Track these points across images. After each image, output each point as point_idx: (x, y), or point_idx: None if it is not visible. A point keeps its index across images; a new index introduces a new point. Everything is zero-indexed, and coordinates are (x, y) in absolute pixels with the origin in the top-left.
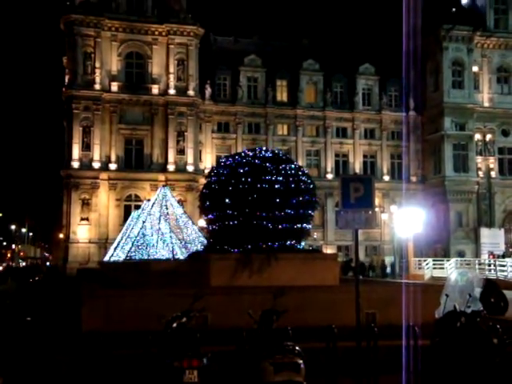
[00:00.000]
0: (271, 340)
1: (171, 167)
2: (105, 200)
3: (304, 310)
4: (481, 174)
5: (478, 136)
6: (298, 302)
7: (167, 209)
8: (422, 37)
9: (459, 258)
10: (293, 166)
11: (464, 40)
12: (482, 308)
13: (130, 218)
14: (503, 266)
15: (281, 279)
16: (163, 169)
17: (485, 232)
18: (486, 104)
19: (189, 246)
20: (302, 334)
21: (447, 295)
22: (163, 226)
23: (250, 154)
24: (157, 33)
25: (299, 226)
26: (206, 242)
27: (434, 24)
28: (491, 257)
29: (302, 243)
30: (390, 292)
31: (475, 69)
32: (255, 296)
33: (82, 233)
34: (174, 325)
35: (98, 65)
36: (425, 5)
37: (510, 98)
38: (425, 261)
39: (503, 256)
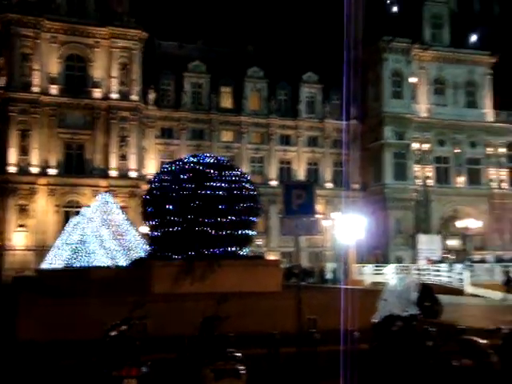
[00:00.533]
0: (212, 347)
1: (113, 173)
2: (43, 206)
3: (246, 316)
4: (418, 182)
5: (416, 145)
6: (241, 309)
7: (108, 215)
8: (364, 47)
9: (398, 264)
10: (236, 172)
11: (403, 52)
12: (418, 312)
13: (67, 224)
14: (438, 271)
15: (224, 286)
16: (105, 174)
17: (422, 238)
18: (424, 114)
19: (131, 252)
20: (245, 340)
21: (385, 300)
22: (104, 232)
23: (193, 160)
24: (99, 36)
25: (242, 232)
26: (148, 248)
27: (374, 35)
28: (428, 262)
29: (246, 250)
30: (331, 298)
31: (414, 80)
32: (197, 303)
33: (18, 240)
34: (113, 333)
35: (36, 67)
36: (366, 16)
37: (446, 109)
38: (365, 266)
39: (439, 261)
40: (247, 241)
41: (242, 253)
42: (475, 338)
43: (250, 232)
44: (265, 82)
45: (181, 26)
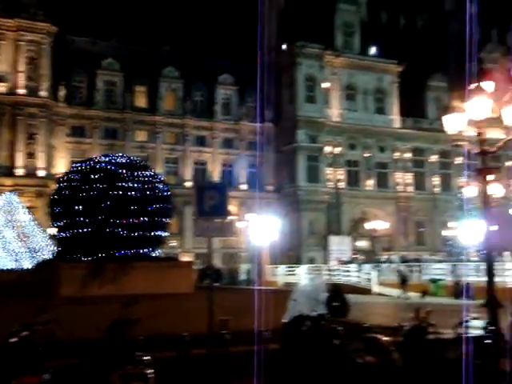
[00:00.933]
0: (121, 351)
1: (20, 171)
2: None
3: (158, 318)
4: (330, 184)
5: (328, 148)
6: (152, 311)
7: (13, 215)
8: (279, 51)
9: (310, 265)
10: (149, 172)
11: (316, 57)
12: (326, 311)
13: None
14: (348, 271)
15: (135, 288)
16: (10, 173)
17: (333, 239)
18: (336, 119)
19: (37, 254)
20: (156, 343)
21: (295, 300)
22: (8, 233)
23: (105, 159)
24: (4, 27)
25: (155, 233)
26: (56, 250)
27: (289, 40)
28: (338, 263)
29: (158, 251)
30: (244, 299)
31: (326, 85)
32: (107, 306)
33: None
34: (14, 340)
35: None
36: (281, 21)
37: (356, 114)
38: (278, 267)
39: (349, 262)
40: (160, 242)
41: (154, 254)
42: (378, 336)
43: (163, 233)
44: (180, 82)
45: (95, 22)
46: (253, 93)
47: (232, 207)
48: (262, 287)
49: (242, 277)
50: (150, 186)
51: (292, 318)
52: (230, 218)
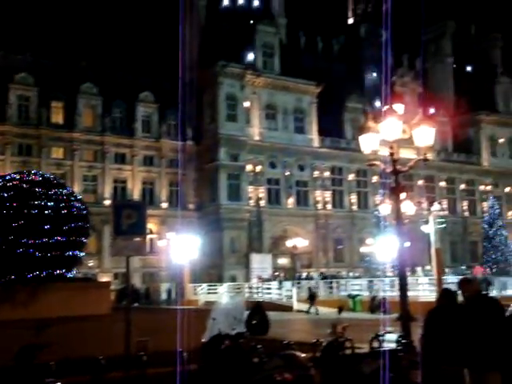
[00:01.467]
0: (30, 377)
1: None
2: None
3: (73, 341)
4: (252, 202)
5: (249, 167)
6: (67, 334)
7: None
8: (201, 70)
9: (231, 283)
10: (65, 190)
11: (237, 77)
12: (245, 330)
13: None
14: (269, 288)
15: (49, 311)
16: None
17: (255, 257)
18: (257, 137)
19: None
20: (69, 367)
21: (214, 319)
22: None
23: (17, 177)
24: None
25: (70, 253)
26: None
27: (211, 59)
28: (259, 280)
29: (74, 271)
30: (164, 319)
31: (247, 104)
32: (17, 331)
33: None
34: None
35: None
36: (203, 40)
37: (276, 133)
38: (200, 286)
39: (269, 279)
40: (76, 262)
41: (69, 275)
42: (297, 353)
43: (80, 253)
44: (99, 98)
45: (8, 35)
46: (174, 111)
47: (152, 226)
48: (183, 306)
49: (163, 296)
50: (65, 204)
51: (211, 338)
52: (149, 236)
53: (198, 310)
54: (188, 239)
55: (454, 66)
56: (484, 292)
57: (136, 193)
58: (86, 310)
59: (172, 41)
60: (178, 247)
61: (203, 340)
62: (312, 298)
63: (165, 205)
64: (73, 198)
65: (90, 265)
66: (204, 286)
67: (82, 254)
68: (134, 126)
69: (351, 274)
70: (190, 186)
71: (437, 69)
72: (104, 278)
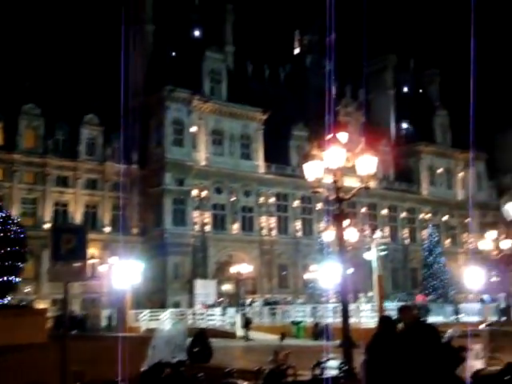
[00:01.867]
0: None
1: None
2: None
3: (5, 372)
4: (197, 227)
5: (195, 192)
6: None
7: None
8: (148, 94)
9: (175, 309)
10: (1, 213)
11: (184, 102)
12: (186, 357)
13: None
14: (212, 315)
15: None
16: None
17: (199, 283)
18: (203, 163)
19: None
20: None
21: (155, 347)
22: None
23: None
24: None
25: (5, 279)
26: None
27: (158, 83)
28: (203, 307)
29: (8, 298)
30: (103, 347)
31: (194, 129)
32: None
33: None
34: None
35: None
36: (152, 64)
37: (222, 158)
38: (142, 313)
39: (213, 306)
40: (10, 288)
41: (3, 302)
42: (238, 381)
43: (15, 278)
44: (42, 120)
45: None
46: (119, 134)
47: (94, 250)
48: (123, 334)
49: (103, 323)
50: (1, 227)
51: (151, 366)
52: (91, 261)
53: (139, 337)
54: (131, 264)
55: (396, 97)
56: (422, 319)
57: (78, 217)
58: (19, 338)
59: (119, 64)
60: (120, 272)
61: (143, 368)
62: (246, 324)
63: (108, 229)
64: (10, 222)
65: (26, 291)
66: (146, 312)
67: (18, 279)
68: (77, 149)
69: (295, 301)
70: (134, 210)
71: (379, 100)
72: (41, 305)
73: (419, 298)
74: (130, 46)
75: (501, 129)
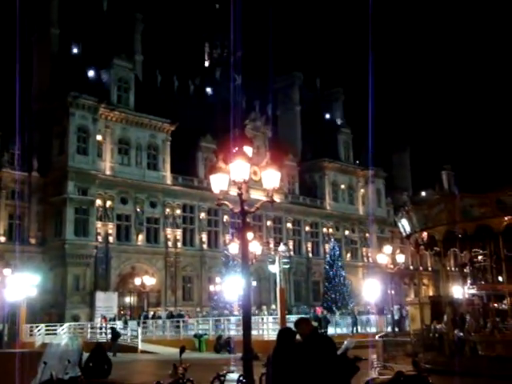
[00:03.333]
0: None
1: None
2: None
3: None
4: (100, 238)
5: (99, 202)
6: None
7: None
8: (52, 100)
9: (73, 323)
10: None
11: (90, 109)
12: (79, 373)
13: None
14: (113, 328)
15: None
16: None
17: (100, 296)
18: (108, 172)
19: None
20: None
21: (45, 363)
22: None
23: None
24: None
25: None
26: None
27: (63, 90)
28: (103, 320)
29: None
30: None
31: (99, 138)
32: None
33: None
34: None
35: None
36: (55, 69)
37: (129, 168)
38: (37, 327)
39: (114, 319)
40: None
41: None
42: None
43: None
44: None
45: None
46: (18, 140)
47: None
48: (12, 350)
49: None
50: None
51: (41, 383)
52: None
53: (29, 352)
54: (25, 276)
55: (302, 114)
56: (323, 330)
57: None
58: None
59: (21, 67)
60: (15, 284)
61: None
62: (114, 337)
63: (2, 239)
64: None
65: None
66: (42, 326)
67: None
68: None
69: (198, 313)
70: (33, 219)
71: (286, 116)
72: None
73: (318, 310)
74: (34, 50)
75: (397, 149)
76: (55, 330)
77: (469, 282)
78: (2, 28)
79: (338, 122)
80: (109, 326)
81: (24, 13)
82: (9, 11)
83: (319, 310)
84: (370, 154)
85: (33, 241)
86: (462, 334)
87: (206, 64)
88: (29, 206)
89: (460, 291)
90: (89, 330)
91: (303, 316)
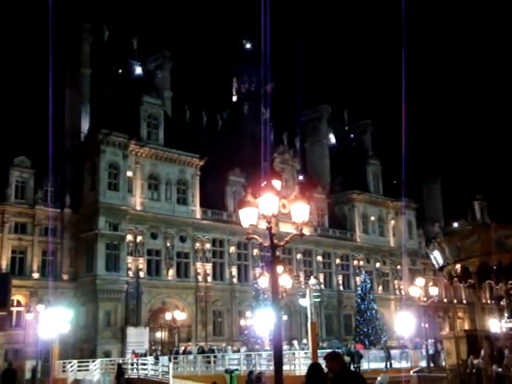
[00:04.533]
0: None
1: None
2: None
3: None
4: (130, 273)
5: (129, 237)
6: None
7: None
8: (83, 138)
9: (105, 359)
10: None
11: (120, 146)
12: None
13: None
14: (144, 364)
15: None
16: None
17: (131, 331)
18: (138, 207)
19: None
20: None
21: None
22: None
23: None
24: None
25: None
26: None
27: (94, 127)
28: (134, 356)
29: None
30: None
31: (130, 174)
32: None
33: None
34: None
35: None
36: (85, 108)
37: (158, 203)
38: (70, 363)
39: (145, 354)
40: None
41: None
42: None
43: None
44: None
45: None
46: (51, 177)
47: (21, 297)
48: None
49: (27, 375)
50: None
51: None
52: (16, 309)
53: None
54: (59, 312)
55: (331, 146)
56: (356, 365)
57: (4, 262)
58: None
59: (54, 106)
60: (48, 320)
61: None
62: (119, 374)
63: (36, 275)
64: None
65: None
66: (74, 362)
67: None
68: (6, 192)
69: (229, 348)
70: (65, 255)
71: (314, 149)
72: None
73: (359, 347)
74: (67, 89)
75: (428, 179)
76: (87, 365)
77: (506, 315)
78: (36, 68)
79: (367, 152)
80: (117, 362)
81: (57, 53)
82: (42, 51)
83: (359, 346)
84: (403, 185)
85: (65, 276)
86: (500, 369)
87: (234, 99)
88: (61, 241)
89: (497, 325)
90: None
91: (333, 351)
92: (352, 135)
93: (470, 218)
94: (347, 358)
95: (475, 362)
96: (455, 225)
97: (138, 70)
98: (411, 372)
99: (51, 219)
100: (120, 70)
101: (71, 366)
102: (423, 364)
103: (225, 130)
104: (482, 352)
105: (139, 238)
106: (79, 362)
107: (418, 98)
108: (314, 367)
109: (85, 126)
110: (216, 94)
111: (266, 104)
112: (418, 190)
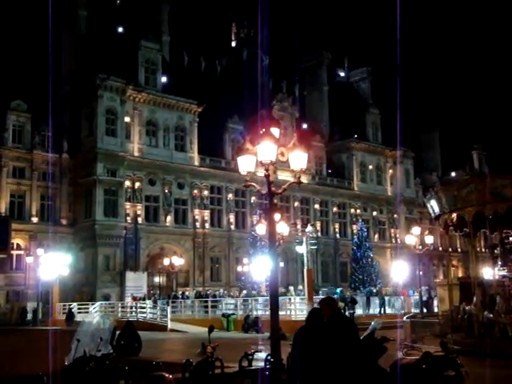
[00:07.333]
0: None
1: None
2: None
3: None
4: (129, 219)
5: (127, 183)
6: None
7: None
8: (80, 82)
9: (104, 302)
10: None
11: (118, 91)
12: (111, 351)
13: None
14: (143, 308)
15: None
16: None
17: (130, 275)
18: (136, 154)
19: None
20: None
21: (78, 340)
22: None
23: None
24: None
25: None
26: None
27: (91, 72)
28: (133, 299)
29: None
30: (25, 340)
31: (127, 119)
32: None
33: None
34: None
35: None
36: (84, 52)
37: (156, 150)
38: (70, 305)
39: (144, 298)
40: None
41: None
42: (165, 374)
43: None
44: None
45: None
46: (48, 122)
47: (20, 241)
48: (46, 327)
49: (29, 316)
50: None
51: (75, 360)
52: (16, 252)
53: (62, 330)
54: (58, 256)
55: (330, 94)
56: (350, 311)
57: (3, 206)
58: None
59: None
60: (48, 264)
61: (66, 362)
62: (70, 318)
63: (35, 219)
64: None
65: None
66: (74, 305)
67: None
68: (3, 136)
69: (226, 293)
70: (64, 200)
71: (313, 96)
72: None
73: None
74: (64, 32)
75: (426, 129)
76: (87, 308)
77: (499, 263)
78: (32, 10)
79: (367, 101)
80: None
81: None
82: None
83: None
84: (399, 134)
85: (64, 221)
86: (491, 315)
87: (233, 44)
88: (60, 187)
89: (490, 273)
90: (119, 309)
91: (329, 295)
92: (352, 83)
93: (468, 167)
94: (341, 304)
95: (467, 308)
96: (453, 174)
97: (135, 14)
98: (404, 318)
99: (49, 164)
100: (116, 14)
101: (71, 309)
102: (417, 310)
103: (223, 76)
104: (475, 298)
105: (137, 185)
106: (79, 305)
107: (418, 47)
108: (313, 312)
109: (81, 70)
110: (215, 39)
111: (265, 50)
112: (416, 139)
